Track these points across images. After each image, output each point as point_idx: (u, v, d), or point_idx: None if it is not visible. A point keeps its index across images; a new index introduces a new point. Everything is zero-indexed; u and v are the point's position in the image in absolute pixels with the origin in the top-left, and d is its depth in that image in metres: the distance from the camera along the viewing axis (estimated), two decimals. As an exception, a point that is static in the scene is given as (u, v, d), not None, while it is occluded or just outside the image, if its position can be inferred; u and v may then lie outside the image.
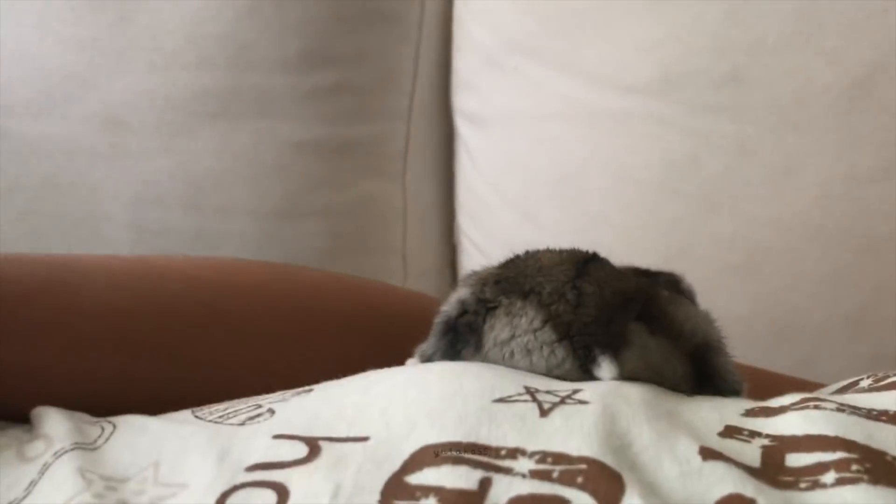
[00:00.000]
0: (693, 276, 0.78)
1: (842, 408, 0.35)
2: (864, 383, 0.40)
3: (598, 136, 0.80)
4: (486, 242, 0.92)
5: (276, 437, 0.36)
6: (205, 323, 0.54)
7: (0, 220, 1.03)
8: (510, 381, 0.38)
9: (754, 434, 0.35)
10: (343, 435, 0.35)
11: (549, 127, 0.83)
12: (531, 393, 0.37)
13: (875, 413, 0.35)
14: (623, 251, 0.81)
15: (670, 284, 0.49)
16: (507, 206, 0.87)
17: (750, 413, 0.37)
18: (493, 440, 0.34)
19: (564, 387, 0.38)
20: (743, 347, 0.78)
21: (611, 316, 0.42)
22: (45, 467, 0.37)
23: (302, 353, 0.56)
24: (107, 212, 1.00)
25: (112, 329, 0.51)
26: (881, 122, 0.69)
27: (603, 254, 0.81)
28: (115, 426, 0.41)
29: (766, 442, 0.34)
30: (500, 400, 0.36)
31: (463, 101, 0.90)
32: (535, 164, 0.84)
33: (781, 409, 0.37)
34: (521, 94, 0.84)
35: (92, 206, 1.01)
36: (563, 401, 0.36)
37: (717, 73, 0.73)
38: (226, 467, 0.34)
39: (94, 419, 0.43)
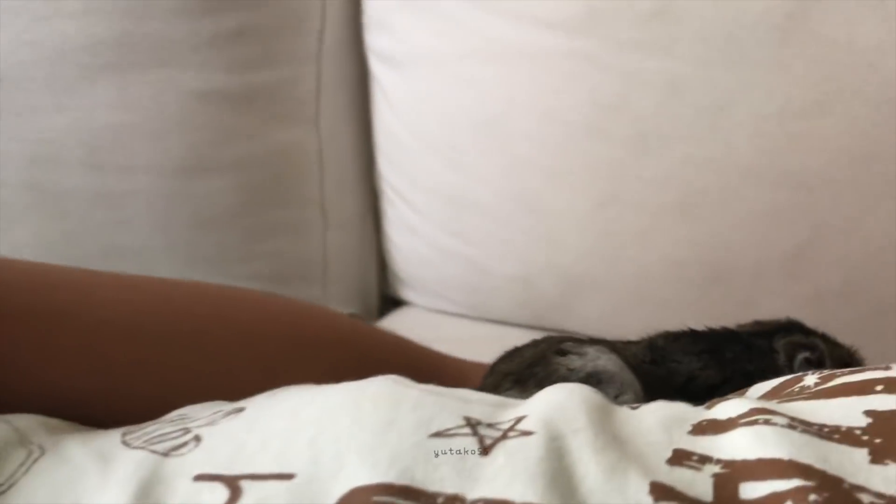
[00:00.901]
0: (626, 221, 0.76)
1: (793, 424, 0.33)
2: (810, 380, 0.38)
3: (522, 76, 0.75)
4: (408, 189, 0.88)
5: (198, 477, 0.33)
6: (212, 328, 0.53)
7: None
8: (450, 411, 0.35)
9: (704, 459, 0.32)
10: (267, 471, 0.32)
11: (469, 67, 0.78)
12: (472, 426, 0.34)
13: (827, 430, 0.32)
14: (552, 196, 0.78)
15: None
16: (429, 151, 0.83)
17: (698, 429, 0.34)
18: (429, 484, 0.31)
19: (509, 413, 0.35)
20: (680, 291, 0.77)
21: None
22: None
23: (300, 358, 0.54)
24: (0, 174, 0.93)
25: (124, 322, 0.50)
26: (815, 55, 0.66)
27: (531, 198, 0.79)
28: (42, 452, 0.38)
29: (717, 469, 0.31)
30: (438, 434, 0.33)
31: (376, 40, 0.85)
32: (455, 106, 0.80)
33: (730, 424, 0.34)
34: (438, 32, 0.79)
35: (-19, 169, 0.94)
36: (505, 434, 0.33)
37: (642, 6, 0.69)
38: None
39: (26, 438, 0.39)
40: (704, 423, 0.34)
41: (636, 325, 0.81)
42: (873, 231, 0.69)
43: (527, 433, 0.33)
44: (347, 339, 0.60)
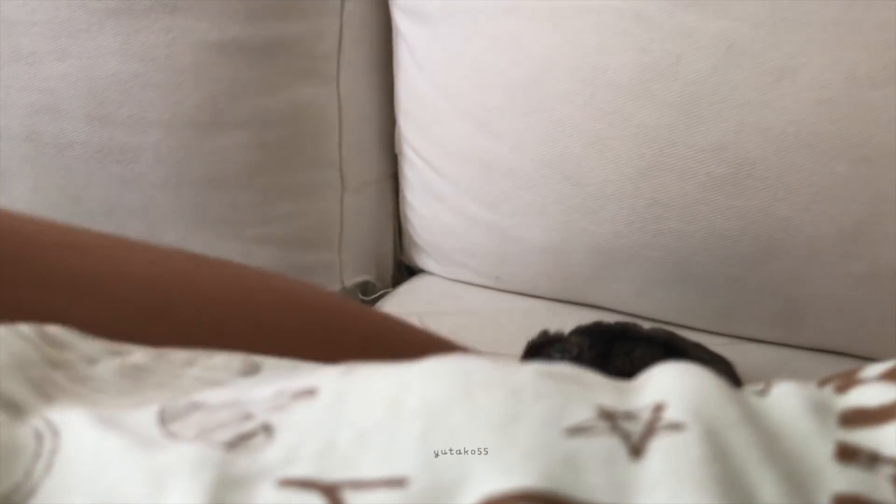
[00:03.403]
0: (672, 191, 0.72)
1: None
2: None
3: (565, 35, 0.71)
4: (434, 153, 0.83)
5: (284, 483, 0.26)
6: (245, 315, 0.47)
7: None
8: (579, 398, 0.29)
9: (873, 458, 0.27)
10: (372, 475, 0.26)
11: (507, 24, 0.73)
12: (609, 417, 0.28)
13: None
14: (593, 164, 0.74)
15: None
16: (459, 113, 0.79)
17: (849, 419, 0.29)
18: (578, 491, 0.25)
19: (638, 398, 0.30)
20: (725, 267, 0.73)
21: None
22: None
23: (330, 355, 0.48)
24: (-3, 124, 0.88)
25: (153, 298, 0.44)
26: (887, 18, 0.62)
27: (568, 165, 0.74)
28: (56, 436, 0.28)
29: (891, 471, 0.26)
30: (574, 430, 0.27)
31: (404, -7, 0.80)
32: (490, 66, 0.75)
33: (885, 414, 0.29)
34: (473, -16, 0.75)
35: (-22, 118, 0.88)
36: (651, 429, 0.28)
37: (702, -39, 0.65)
38: None
39: (29, 415, 0.30)
40: (852, 411, 0.29)
41: (674, 303, 0.78)
42: (935, 209, 0.65)
43: (676, 426, 0.28)
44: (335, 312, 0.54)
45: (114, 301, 0.44)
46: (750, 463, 0.26)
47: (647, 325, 0.78)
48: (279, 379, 0.33)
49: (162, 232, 0.91)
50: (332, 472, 0.26)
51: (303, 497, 0.25)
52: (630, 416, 0.29)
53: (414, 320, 0.82)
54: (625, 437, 0.27)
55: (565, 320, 0.80)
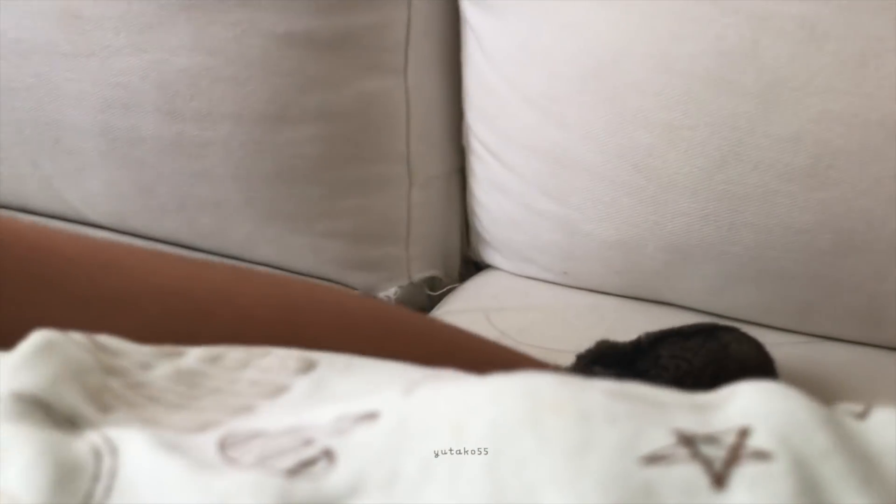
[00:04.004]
0: (748, 183, 0.69)
1: None
2: None
3: (638, 21, 0.69)
4: (501, 146, 0.82)
5: None
6: (287, 333, 0.45)
7: (-47, 131, 0.93)
8: (654, 421, 0.27)
9: None
10: None
11: (578, 10, 0.72)
12: (688, 443, 0.27)
13: None
14: (665, 153, 0.72)
15: None
16: (527, 104, 0.77)
17: None
18: None
19: (720, 420, 0.28)
20: (804, 262, 0.70)
21: None
22: None
23: None
24: (72, 119, 0.90)
25: (188, 315, 0.44)
26: (981, -2, 0.58)
27: (640, 156, 0.72)
28: (114, 454, 0.28)
29: None
30: (651, 459, 0.26)
31: (472, -18, 0.79)
32: (560, 54, 0.74)
33: None
34: (544, -28, 0.73)
35: (54, 113, 0.90)
36: (735, 456, 0.26)
37: (782, -58, 0.62)
38: None
39: (85, 428, 0.30)
40: None
41: (749, 300, 0.75)
42: None
43: (763, 455, 0.26)
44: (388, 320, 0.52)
45: (146, 319, 0.43)
46: (845, 494, 0.25)
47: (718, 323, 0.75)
48: (339, 400, 0.32)
49: (232, 226, 0.91)
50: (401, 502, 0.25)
51: None
52: (712, 439, 0.27)
53: (479, 317, 0.81)
54: (706, 464, 0.26)
55: (634, 318, 0.78)
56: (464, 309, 0.84)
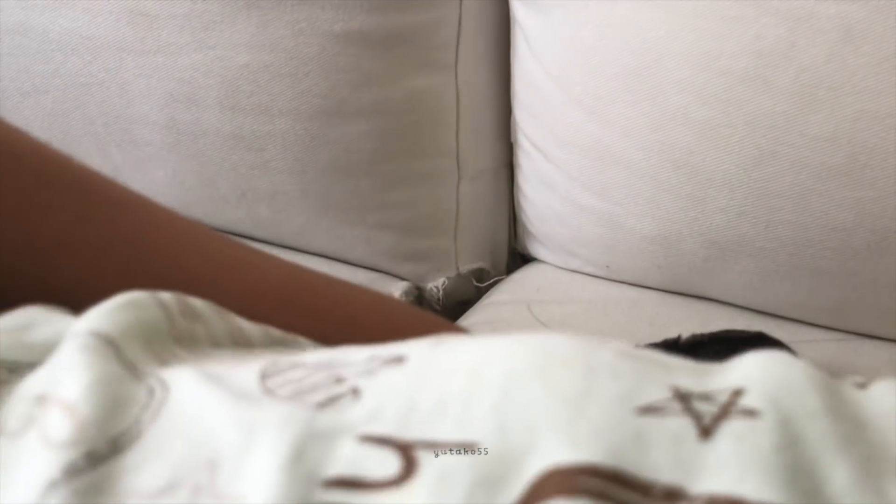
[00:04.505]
0: (785, 181, 0.70)
1: None
2: None
3: (680, 21, 0.70)
4: (547, 142, 0.84)
5: (364, 438, 0.28)
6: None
7: (29, 124, 0.98)
8: (654, 379, 0.29)
9: None
10: (446, 438, 0.27)
11: (621, 10, 0.73)
12: (683, 399, 0.28)
13: None
14: (704, 151, 0.73)
15: None
16: (572, 102, 0.79)
17: None
18: (642, 470, 0.25)
19: (719, 381, 0.30)
20: (840, 260, 0.71)
21: None
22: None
23: None
24: (140, 112, 0.94)
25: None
26: None
27: (680, 153, 0.74)
28: (166, 391, 0.31)
29: None
30: (646, 410, 0.28)
31: (521, -18, 0.81)
32: (604, 53, 0.75)
33: None
34: (588, -29, 0.75)
35: (123, 106, 0.95)
36: (726, 411, 0.28)
37: (820, -56, 0.63)
38: (298, 477, 0.26)
39: (137, 369, 0.32)
40: None
41: (786, 296, 0.76)
42: None
43: (752, 412, 0.27)
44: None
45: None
46: (824, 452, 0.26)
47: (757, 320, 0.77)
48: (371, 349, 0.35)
49: (289, 216, 0.95)
50: (409, 432, 0.28)
51: (379, 452, 0.27)
52: (706, 397, 0.29)
53: (522, 308, 0.83)
54: (697, 417, 0.27)
55: (674, 313, 0.80)
56: (507, 301, 0.87)
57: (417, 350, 0.33)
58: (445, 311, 0.94)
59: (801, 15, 0.65)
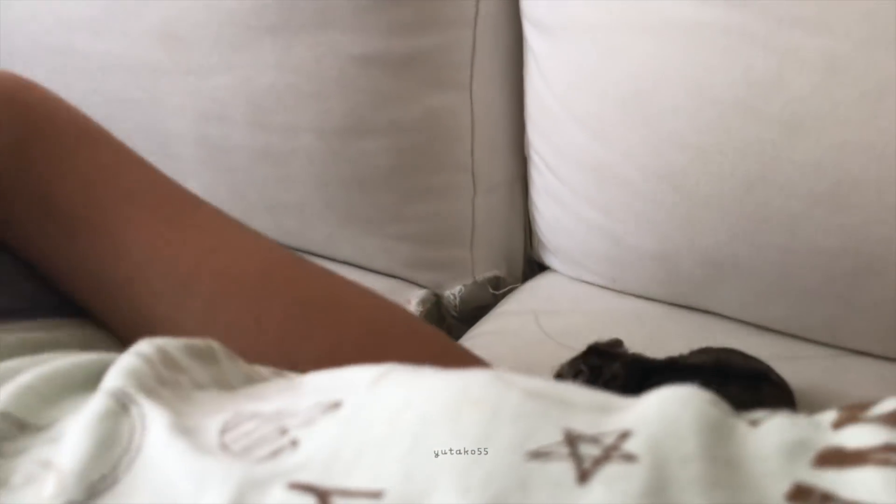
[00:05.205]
0: (774, 206, 0.73)
1: None
2: None
3: (673, 50, 0.73)
4: (555, 159, 0.87)
5: (292, 486, 0.31)
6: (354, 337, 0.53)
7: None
8: (551, 421, 0.31)
9: (827, 499, 0.27)
10: (358, 486, 0.30)
11: (621, 37, 0.76)
12: (571, 442, 0.30)
13: None
14: (699, 177, 0.76)
15: None
16: (577, 123, 0.82)
17: (823, 459, 0.29)
18: None
19: (615, 424, 0.32)
20: (826, 281, 0.73)
21: None
22: None
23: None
24: (174, 128, 1.00)
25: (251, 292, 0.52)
26: None
27: (675, 176, 0.77)
28: (144, 434, 0.35)
29: None
30: (535, 454, 0.30)
31: (531, 6, 0.84)
32: (605, 78, 0.79)
33: (860, 458, 0.29)
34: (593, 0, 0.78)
35: (159, 123, 1.00)
36: (607, 455, 0.29)
37: (805, -20, 0.65)
38: None
39: (126, 407, 0.37)
40: (830, 451, 0.30)
41: (778, 314, 0.79)
42: None
43: (630, 457, 0.29)
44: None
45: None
46: (689, 496, 0.27)
47: (754, 334, 0.79)
48: (321, 391, 0.38)
49: (314, 227, 1.00)
50: (330, 480, 0.31)
51: (302, 498, 0.30)
52: (594, 440, 0.30)
53: (529, 318, 0.87)
54: (579, 461, 0.29)
55: (674, 326, 0.83)
56: (517, 310, 0.91)
57: (352, 395, 0.35)
58: (462, 316, 0.98)
59: (789, 48, 0.67)
